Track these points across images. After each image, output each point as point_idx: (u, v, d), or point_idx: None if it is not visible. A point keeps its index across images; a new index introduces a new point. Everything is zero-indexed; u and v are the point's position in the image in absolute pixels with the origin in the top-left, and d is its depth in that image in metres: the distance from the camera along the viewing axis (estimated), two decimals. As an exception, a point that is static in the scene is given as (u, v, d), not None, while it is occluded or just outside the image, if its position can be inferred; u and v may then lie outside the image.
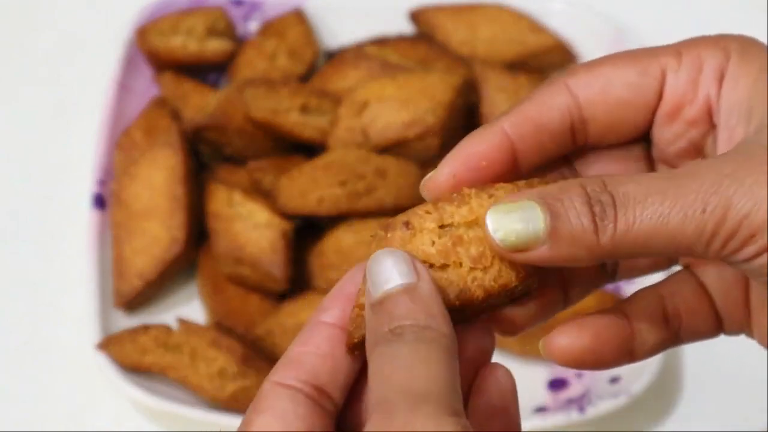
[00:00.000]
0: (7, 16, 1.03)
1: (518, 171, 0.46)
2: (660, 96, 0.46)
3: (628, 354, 0.48)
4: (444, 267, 0.43)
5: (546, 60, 0.96)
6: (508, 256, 0.43)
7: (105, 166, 0.88)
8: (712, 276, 0.49)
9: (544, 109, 0.46)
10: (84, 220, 0.86)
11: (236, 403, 0.79)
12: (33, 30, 1.02)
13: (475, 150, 0.45)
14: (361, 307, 0.44)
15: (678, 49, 0.46)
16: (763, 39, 1.08)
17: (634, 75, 0.46)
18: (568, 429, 0.80)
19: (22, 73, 1.00)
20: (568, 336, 0.46)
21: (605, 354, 0.47)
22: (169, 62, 0.93)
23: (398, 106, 0.85)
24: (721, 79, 0.46)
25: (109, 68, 0.92)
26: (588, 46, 0.97)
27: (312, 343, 0.45)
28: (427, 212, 0.44)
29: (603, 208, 0.42)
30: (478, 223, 0.44)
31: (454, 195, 0.44)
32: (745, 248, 0.42)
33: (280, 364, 0.45)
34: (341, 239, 0.83)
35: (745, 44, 0.46)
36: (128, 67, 0.93)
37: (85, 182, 0.88)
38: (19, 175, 0.94)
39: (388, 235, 0.44)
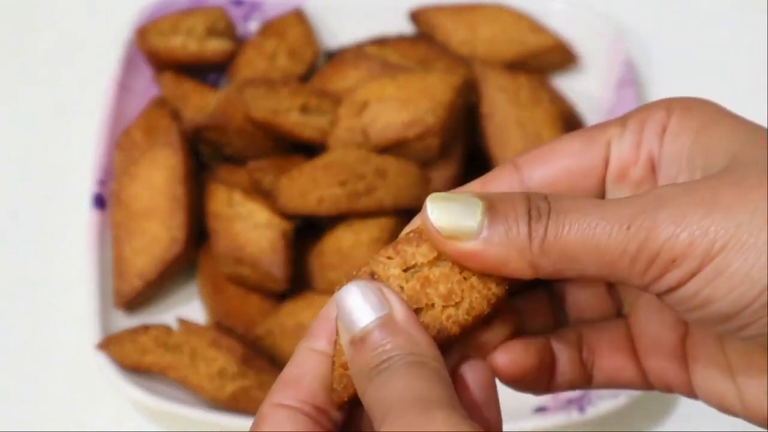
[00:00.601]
0: (7, 16, 1.03)
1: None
2: (606, 163, 0.46)
3: (549, 382, 0.48)
4: (417, 311, 0.43)
5: (546, 60, 0.96)
6: (441, 243, 0.43)
7: (105, 166, 0.88)
8: (642, 326, 0.49)
9: (488, 183, 0.47)
10: (84, 220, 0.86)
11: (236, 403, 0.79)
12: (33, 30, 1.02)
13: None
14: (345, 366, 0.43)
15: (624, 118, 0.47)
16: (763, 39, 1.08)
17: (578, 144, 0.47)
18: (568, 429, 0.80)
19: (22, 73, 1.00)
20: (514, 353, 0.46)
21: (539, 376, 0.47)
22: (169, 62, 0.93)
23: (398, 106, 0.85)
24: (662, 134, 0.46)
25: (109, 68, 0.92)
26: (588, 46, 0.97)
27: (307, 365, 0.45)
28: (390, 258, 0.44)
29: (539, 214, 0.42)
30: (440, 258, 0.44)
31: (412, 234, 0.44)
32: (667, 275, 0.41)
33: (276, 386, 0.44)
34: (341, 239, 0.83)
35: (688, 102, 0.46)
36: (128, 67, 0.93)
37: (85, 182, 0.88)
38: (19, 175, 0.94)
39: None
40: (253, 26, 0.99)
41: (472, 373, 0.45)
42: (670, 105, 0.46)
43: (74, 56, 1.01)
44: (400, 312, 0.43)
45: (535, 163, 0.47)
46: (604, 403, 0.79)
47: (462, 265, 0.44)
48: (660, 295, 0.42)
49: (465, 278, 0.44)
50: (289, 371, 0.45)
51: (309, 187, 0.83)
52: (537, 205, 0.42)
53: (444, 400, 0.40)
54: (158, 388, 0.80)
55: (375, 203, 0.82)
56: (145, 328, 0.81)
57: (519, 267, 0.42)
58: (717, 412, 0.85)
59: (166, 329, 0.81)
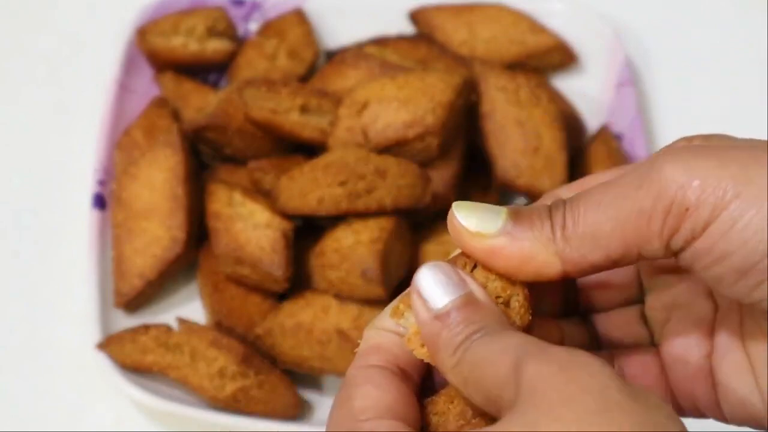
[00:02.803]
0: (7, 16, 1.03)
1: None
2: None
3: None
4: None
5: (546, 60, 0.97)
6: (469, 240, 0.44)
7: (105, 166, 0.88)
8: (669, 346, 0.49)
9: None
10: (84, 220, 0.86)
11: (236, 403, 0.79)
12: (33, 30, 1.02)
13: None
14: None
15: None
16: (763, 39, 1.08)
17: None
18: (568, 429, 0.80)
19: (22, 73, 1.00)
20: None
21: None
22: (169, 62, 0.93)
23: (398, 106, 0.85)
24: None
25: (109, 68, 0.92)
26: (588, 47, 0.97)
27: (387, 335, 0.46)
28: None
29: (556, 206, 0.44)
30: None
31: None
32: (682, 226, 0.41)
33: (360, 353, 0.46)
34: (341, 239, 0.83)
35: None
36: (128, 67, 0.93)
37: (85, 182, 0.88)
38: (19, 175, 0.94)
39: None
40: (253, 26, 0.99)
41: None
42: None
43: (74, 56, 1.01)
44: (480, 292, 0.44)
45: (575, 188, 0.48)
46: (604, 403, 0.79)
47: (487, 266, 0.44)
48: (678, 255, 0.42)
49: None
50: (368, 341, 0.46)
51: (309, 187, 0.83)
52: (554, 203, 0.44)
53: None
54: (158, 388, 0.80)
55: (375, 203, 0.82)
56: (146, 328, 0.81)
57: (545, 259, 0.43)
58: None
59: (167, 329, 0.81)
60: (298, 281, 0.84)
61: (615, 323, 0.51)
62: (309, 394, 0.83)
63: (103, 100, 0.91)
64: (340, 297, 0.82)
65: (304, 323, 0.81)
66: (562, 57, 0.97)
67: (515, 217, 0.44)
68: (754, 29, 1.02)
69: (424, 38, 0.97)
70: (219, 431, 0.80)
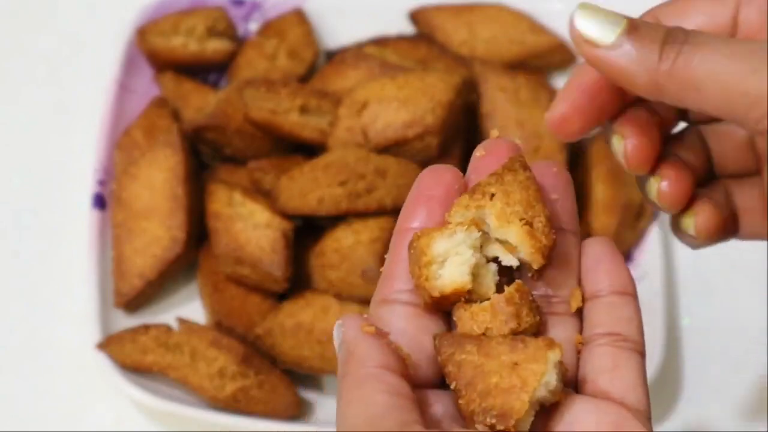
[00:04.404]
0: (7, 16, 1.03)
1: (625, 97, 0.52)
2: (735, 24, 0.50)
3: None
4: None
5: (546, 60, 0.96)
6: (579, 45, 0.47)
7: (105, 166, 0.88)
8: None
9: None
10: (84, 220, 0.86)
11: (236, 403, 0.79)
12: (33, 30, 1.02)
13: (585, 80, 0.51)
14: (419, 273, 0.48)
15: None
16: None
17: (710, 4, 0.51)
18: (568, 429, 0.80)
19: (22, 73, 1.00)
20: (705, 213, 0.53)
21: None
22: (169, 62, 0.93)
23: (398, 106, 0.85)
24: None
25: (109, 68, 0.92)
26: (588, 46, 0.97)
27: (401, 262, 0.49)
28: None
29: (674, 39, 0.46)
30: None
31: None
32: None
33: (379, 284, 0.49)
34: (341, 239, 0.83)
35: None
36: (128, 67, 0.93)
37: (85, 182, 0.88)
38: (19, 175, 0.94)
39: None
40: (253, 26, 0.99)
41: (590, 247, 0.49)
42: None
43: (74, 56, 1.00)
44: (346, 345, 0.47)
45: (672, 17, 0.51)
46: (604, 403, 0.79)
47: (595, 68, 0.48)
48: None
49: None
50: (387, 268, 0.50)
51: (309, 187, 0.83)
52: (675, 34, 0.47)
53: (383, 412, 0.44)
54: (158, 388, 0.80)
55: (375, 203, 0.82)
56: (146, 328, 0.81)
57: (643, 83, 0.47)
58: (717, 412, 0.85)
59: (167, 329, 0.81)
60: (298, 281, 0.84)
61: (727, 147, 0.55)
62: (309, 394, 0.83)
63: (103, 100, 0.91)
64: (340, 297, 0.82)
65: (304, 323, 0.82)
66: (562, 57, 0.97)
67: (631, 32, 0.46)
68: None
69: (424, 38, 0.97)
70: (219, 431, 0.80)
